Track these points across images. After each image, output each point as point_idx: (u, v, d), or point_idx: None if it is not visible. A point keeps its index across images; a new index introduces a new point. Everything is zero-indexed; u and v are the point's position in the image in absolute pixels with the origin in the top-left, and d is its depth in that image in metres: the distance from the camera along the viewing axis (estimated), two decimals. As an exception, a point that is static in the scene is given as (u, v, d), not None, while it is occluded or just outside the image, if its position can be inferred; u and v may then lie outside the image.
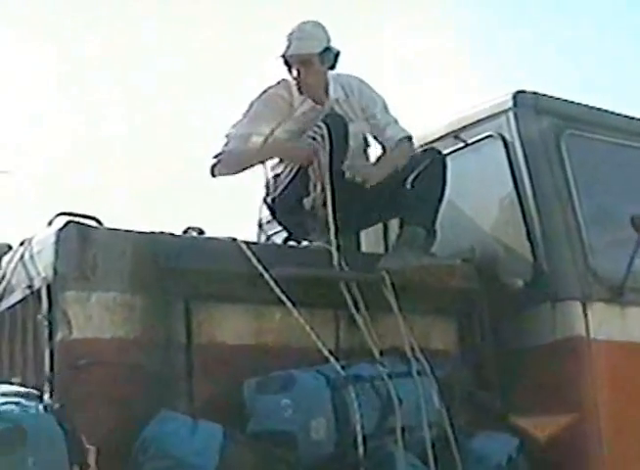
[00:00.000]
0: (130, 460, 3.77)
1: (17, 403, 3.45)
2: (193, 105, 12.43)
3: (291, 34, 4.94)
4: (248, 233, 5.63)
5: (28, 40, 11.97)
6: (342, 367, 4.16)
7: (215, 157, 4.98)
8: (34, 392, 3.64)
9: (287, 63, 4.96)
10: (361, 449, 3.99)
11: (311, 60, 4.93)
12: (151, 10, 11.87)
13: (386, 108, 5.12)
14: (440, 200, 4.85)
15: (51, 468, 3.37)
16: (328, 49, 4.96)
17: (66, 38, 12.17)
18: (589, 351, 4.79)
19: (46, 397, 3.65)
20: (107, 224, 4.24)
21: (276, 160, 5.06)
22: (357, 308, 4.49)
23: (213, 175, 5.02)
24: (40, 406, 3.49)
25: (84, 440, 3.53)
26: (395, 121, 5.12)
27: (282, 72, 5.00)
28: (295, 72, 4.95)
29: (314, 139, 4.80)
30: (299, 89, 4.97)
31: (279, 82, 5.03)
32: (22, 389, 3.65)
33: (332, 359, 4.20)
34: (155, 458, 3.72)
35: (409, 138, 5.09)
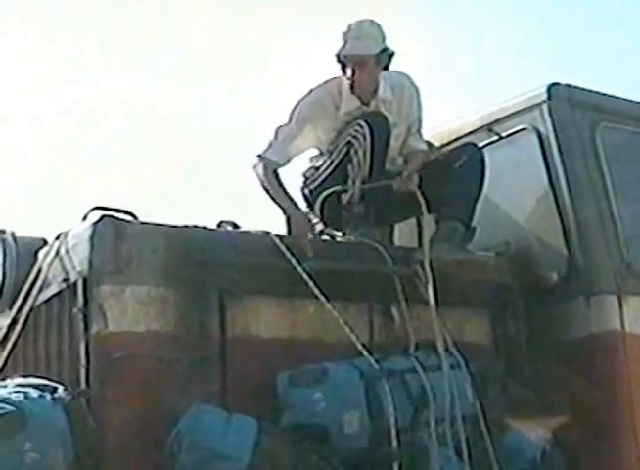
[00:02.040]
0: (165, 452, 3.79)
1: (25, 392, 3.57)
2: (193, 103, 12.42)
3: (347, 33, 4.88)
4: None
5: (28, 40, 12.01)
6: (376, 361, 4.16)
7: (259, 156, 4.94)
8: (51, 384, 3.73)
9: (340, 61, 4.93)
10: (395, 443, 3.99)
11: (367, 60, 4.88)
12: (151, 9, 11.88)
13: (420, 117, 5.13)
14: (478, 195, 4.84)
15: (47, 454, 3.46)
16: (384, 50, 4.94)
17: (66, 38, 12.18)
18: (624, 344, 4.77)
19: (60, 389, 3.70)
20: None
21: (316, 151, 5.09)
22: (391, 302, 4.49)
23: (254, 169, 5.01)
24: (48, 396, 3.58)
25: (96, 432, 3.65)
26: (419, 130, 5.14)
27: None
28: (349, 72, 4.90)
29: (355, 138, 4.80)
30: (352, 88, 4.95)
31: (328, 81, 5.01)
32: (40, 381, 3.74)
33: (365, 353, 4.21)
34: (189, 450, 3.74)
35: (423, 150, 5.14)
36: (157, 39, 12.11)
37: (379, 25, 4.94)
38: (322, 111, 4.96)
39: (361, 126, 4.79)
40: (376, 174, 4.82)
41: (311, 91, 5.00)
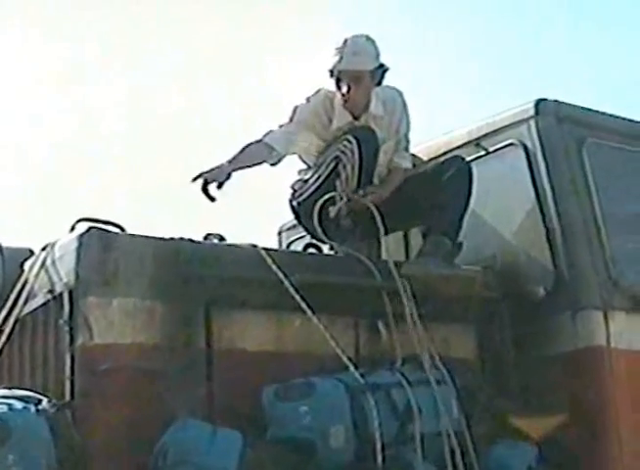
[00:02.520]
0: (149, 465, 3.78)
1: (8, 404, 3.56)
2: (193, 103, 12.45)
3: (342, 48, 4.88)
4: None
5: (28, 40, 12.03)
6: (362, 375, 4.15)
7: (263, 142, 4.88)
8: (35, 396, 3.72)
9: (333, 75, 4.92)
10: (380, 458, 3.98)
11: (363, 76, 4.89)
12: (151, 10, 11.89)
13: (407, 134, 5.14)
14: (465, 209, 4.84)
15: (31, 467, 3.43)
16: (379, 66, 4.94)
17: (66, 38, 12.19)
18: (610, 360, 4.78)
19: (45, 401, 3.69)
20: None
21: (304, 165, 5.10)
22: (378, 316, 4.49)
23: None
24: (32, 408, 3.57)
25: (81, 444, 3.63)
26: (407, 147, 5.15)
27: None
28: (344, 88, 4.90)
29: (344, 153, 4.80)
30: (345, 103, 4.94)
31: (321, 90, 5.01)
32: (24, 393, 3.72)
33: (351, 367, 4.21)
34: (174, 464, 3.73)
35: (406, 169, 5.14)
36: (157, 39, 12.16)
37: (374, 41, 4.94)
38: (318, 120, 4.97)
39: (350, 142, 4.79)
40: (364, 189, 4.82)
41: (308, 99, 5.01)
